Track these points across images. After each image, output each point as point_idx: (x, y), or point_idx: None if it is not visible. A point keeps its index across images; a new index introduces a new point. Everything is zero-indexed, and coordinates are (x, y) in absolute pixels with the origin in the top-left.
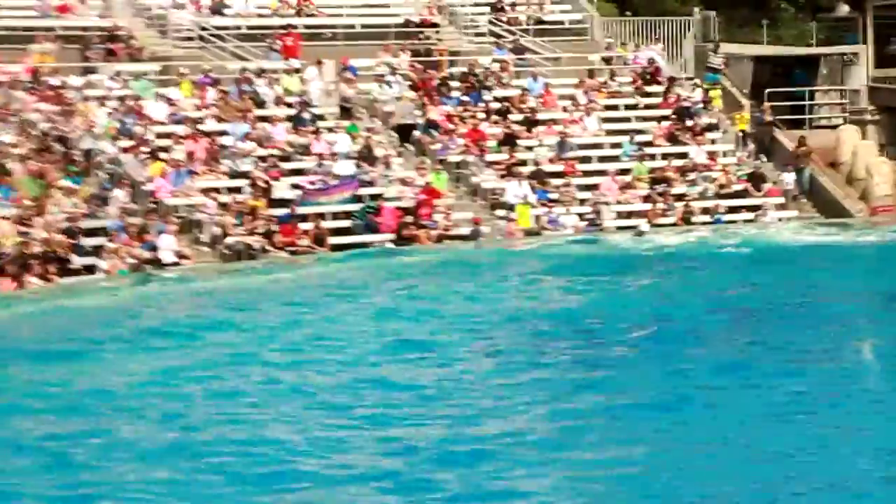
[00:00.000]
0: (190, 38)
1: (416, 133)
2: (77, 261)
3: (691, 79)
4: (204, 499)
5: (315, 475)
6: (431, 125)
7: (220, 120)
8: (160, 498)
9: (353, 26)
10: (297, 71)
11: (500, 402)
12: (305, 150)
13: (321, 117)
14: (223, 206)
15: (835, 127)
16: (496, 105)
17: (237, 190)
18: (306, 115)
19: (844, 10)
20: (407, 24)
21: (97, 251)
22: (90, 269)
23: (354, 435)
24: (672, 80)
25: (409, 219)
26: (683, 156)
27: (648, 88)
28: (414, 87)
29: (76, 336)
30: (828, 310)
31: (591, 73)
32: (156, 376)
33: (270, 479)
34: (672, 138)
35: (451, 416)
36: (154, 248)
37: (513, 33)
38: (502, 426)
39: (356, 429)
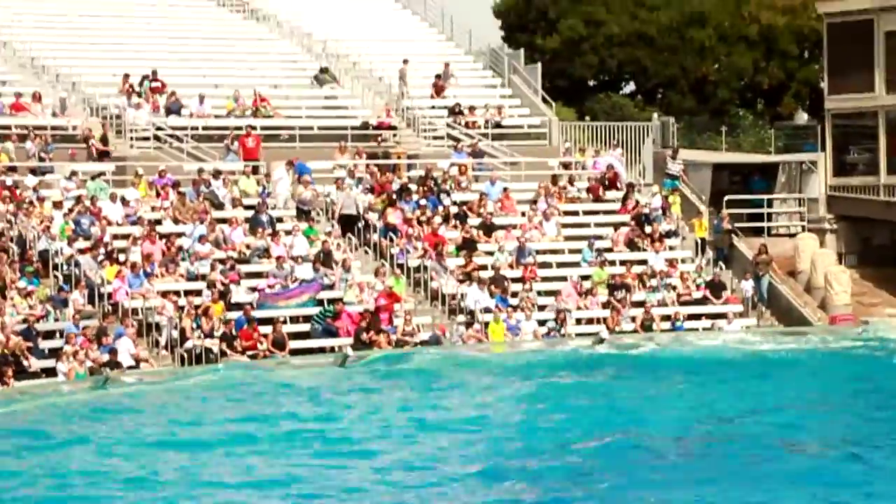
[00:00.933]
0: (146, 139)
1: (375, 236)
2: (35, 363)
3: (650, 185)
4: None
5: None
6: (390, 228)
7: (176, 221)
8: None
9: (310, 128)
10: (255, 172)
11: None
12: (264, 253)
13: (279, 219)
14: (181, 308)
15: (793, 235)
16: (455, 209)
17: (196, 293)
18: (264, 218)
19: (803, 118)
20: (365, 126)
21: (55, 353)
22: (48, 372)
23: None
24: (631, 186)
25: (368, 323)
26: (643, 262)
27: (607, 194)
28: (371, 190)
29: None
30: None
31: (554, 179)
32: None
33: None
34: (631, 244)
35: None
36: (113, 351)
37: (471, 137)
38: None
39: None
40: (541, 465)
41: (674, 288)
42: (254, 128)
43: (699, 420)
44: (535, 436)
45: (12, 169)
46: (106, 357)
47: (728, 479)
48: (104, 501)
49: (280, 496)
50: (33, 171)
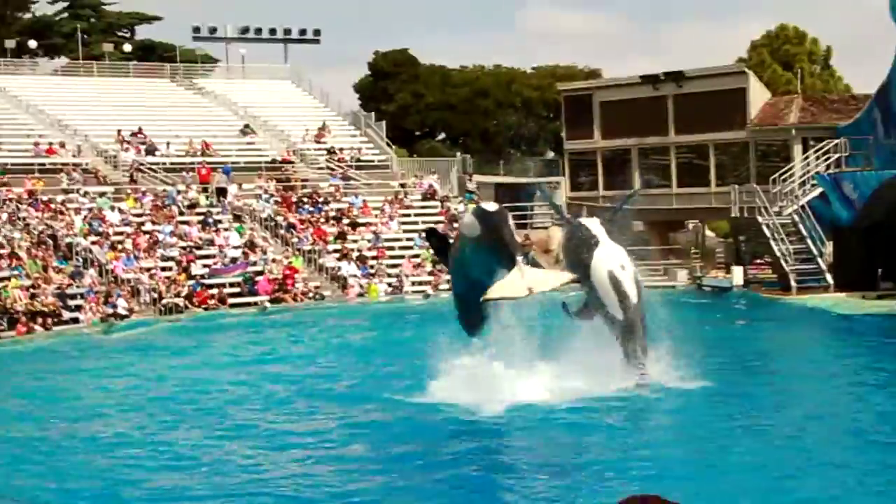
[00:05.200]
0: (135, 170)
1: (281, 231)
2: (66, 315)
3: (457, 197)
4: None
5: None
6: (291, 226)
7: (154, 223)
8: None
9: (238, 162)
10: (205, 191)
11: None
12: (210, 243)
13: (220, 221)
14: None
15: (546, 228)
16: (333, 213)
17: (168, 269)
18: (210, 220)
19: (550, 154)
20: (274, 161)
21: (78, 308)
22: (74, 321)
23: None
24: (445, 198)
25: (278, 287)
26: None
27: (429, 203)
28: (279, 202)
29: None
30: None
31: (396, 195)
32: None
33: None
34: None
35: None
36: (115, 307)
37: (342, 167)
38: None
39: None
40: None
41: None
42: (206, 163)
43: None
44: None
45: (66, 191)
46: (111, 310)
47: None
48: None
49: None
50: (64, 191)
